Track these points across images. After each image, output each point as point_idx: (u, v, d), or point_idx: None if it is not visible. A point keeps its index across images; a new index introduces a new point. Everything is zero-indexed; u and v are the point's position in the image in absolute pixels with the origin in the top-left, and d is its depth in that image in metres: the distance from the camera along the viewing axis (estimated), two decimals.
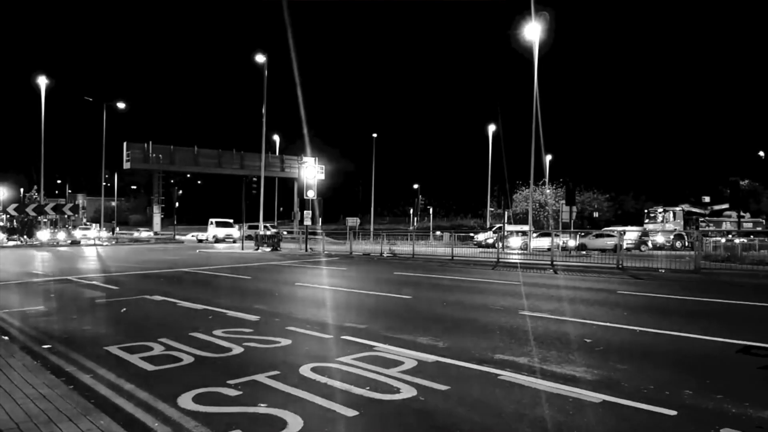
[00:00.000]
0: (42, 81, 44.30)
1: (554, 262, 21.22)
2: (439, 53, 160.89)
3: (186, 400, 5.09)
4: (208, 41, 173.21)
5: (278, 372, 6.01)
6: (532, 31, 30.11)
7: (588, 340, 7.72)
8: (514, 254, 28.46)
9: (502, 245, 29.21)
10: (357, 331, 8.27)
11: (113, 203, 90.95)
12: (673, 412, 4.75)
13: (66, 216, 42.65)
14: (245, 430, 4.44)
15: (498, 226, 43.84)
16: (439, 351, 7.02)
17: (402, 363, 6.38)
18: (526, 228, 36.33)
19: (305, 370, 6.10)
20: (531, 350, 7.05)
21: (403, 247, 31.65)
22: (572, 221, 31.87)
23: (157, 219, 66.01)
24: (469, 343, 7.47)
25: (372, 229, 52.28)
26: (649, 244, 34.11)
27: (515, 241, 34.40)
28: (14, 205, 41.57)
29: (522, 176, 47.97)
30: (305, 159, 41.61)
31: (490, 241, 36.52)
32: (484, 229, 48.02)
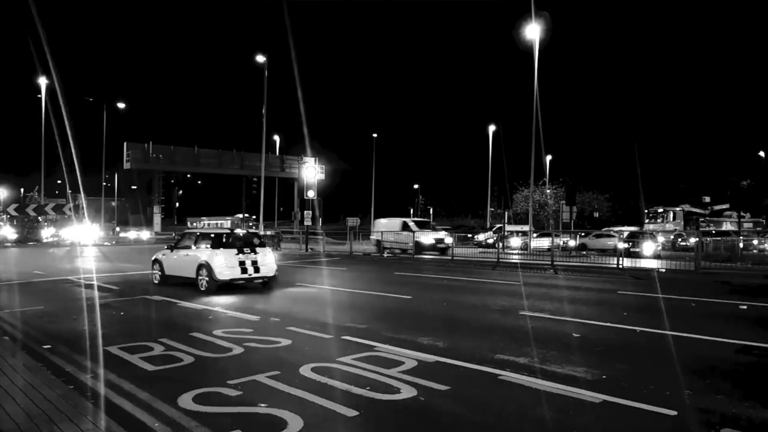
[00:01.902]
0: (42, 81, 44.31)
1: (554, 263, 21.21)
2: (439, 53, 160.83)
3: (186, 400, 5.09)
4: (209, 41, 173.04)
5: (278, 372, 6.01)
6: (532, 32, 30.10)
7: (588, 340, 7.72)
8: (515, 254, 28.45)
9: (503, 245, 29.19)
10: (357, 331, 8.27)
11: (113, 203, 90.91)
12: (673, 412, 4.75)
13: (66, 216, 42.65)
14: (245, 430, 4.44)
15: (498, 226, 43.94)
16: (439, 351, 7.02)
17: (402, 363, 6.38)
18: (526, 228, 36.36)
19: (305, 370, 6.10)
20: (531, 350, 7.05)
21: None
22: (572, 221, 31.87)
23: (157, 219, 66.03)
24: (469, 343, 7.47)
25: (372, 229, 52.21)
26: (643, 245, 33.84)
27: (515, 241, 34.40)
28: (14, 205, 41.59)
29: (522, 176, 47.97)
30: (305, 159, 41.62)
31: (491, 241, 36.68)
32: (485, 229, 48.06)
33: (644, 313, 10.21)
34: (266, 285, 13.89)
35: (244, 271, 13.18)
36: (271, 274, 13.77)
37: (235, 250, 13.21)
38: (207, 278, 12.99)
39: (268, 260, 13.69)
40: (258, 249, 13.63)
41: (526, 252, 29.68)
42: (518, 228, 40.40)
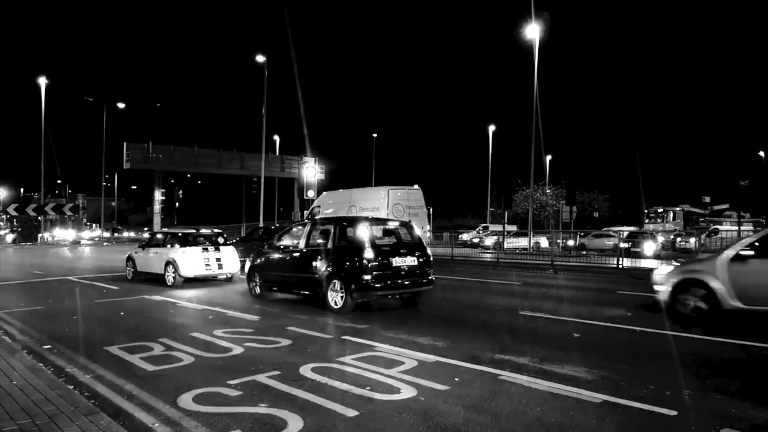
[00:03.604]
0: (42, 81, 44.32)
1: (554, 263, 21.21)
2: (438, 53, 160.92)
3: (186, 400, 5.09)
4: (209, 41, 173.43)
5: (278, 372, 6.01)
6: (532, 31, 30.10)
7: (588, 340, 7.72)
8: (516, 254, 28.44)
9: (502, 245, 29.22)
10: (357, 331, 8.27)
11: (113, 203, 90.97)
12: (673, 412, 4.75)
13: (66, 216, 42.68)
14: (245, 430, 4.44)
15: (483, 225, 49.12)
16: (439, 351, 7.01)
17: (402, 363, 6.38)
18: (510, 228, 39.01)
19: (305, 370, 6.10)
20: (531, 350, 7.04)
21: None
22: (572, 221, 31.86)
23: (157, 219, 66.01)
24: (469, 343, 7.46)
25: None
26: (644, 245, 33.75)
27: (489, 240, 36.97)
28: (14, 205, 41.60)
29: (522, 176, 48.01)
30: (305, 159, 41.69)
31: (476, 240, 41.39)
32: (469, 228, 52.07)
33: (644, 312, 10.21)
34: (230, 280, 15.04)
35: (208, 267, 14.31)
36: (234, 270, 14.94)
37: (199, 248, 14.42)
38: (173, 274, 14.08)
39: (231, 258, 14.83)
40: (221, 248, 14.80)
41: (526, 252, 29.69)
42: (498, 228, 41.79)
